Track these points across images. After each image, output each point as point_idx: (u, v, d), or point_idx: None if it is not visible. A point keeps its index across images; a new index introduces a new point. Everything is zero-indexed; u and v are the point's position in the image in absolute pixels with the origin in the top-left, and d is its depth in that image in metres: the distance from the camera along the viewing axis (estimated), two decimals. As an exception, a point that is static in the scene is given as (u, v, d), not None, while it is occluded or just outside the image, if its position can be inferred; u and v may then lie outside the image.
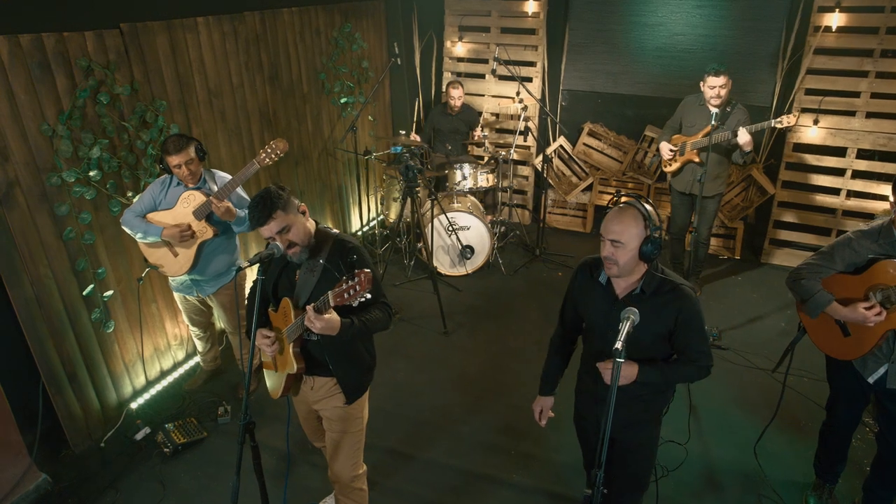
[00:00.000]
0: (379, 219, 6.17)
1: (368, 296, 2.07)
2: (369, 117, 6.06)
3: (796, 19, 5.11)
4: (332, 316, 2.19)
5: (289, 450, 2.78)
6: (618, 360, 1.71)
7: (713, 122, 4.08)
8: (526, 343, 4.48)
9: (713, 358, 2.23)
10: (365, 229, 5.99)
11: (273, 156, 3.28)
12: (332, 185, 5.67)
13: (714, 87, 4.27)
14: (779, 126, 4.21)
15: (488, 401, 3.89)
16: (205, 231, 3.32)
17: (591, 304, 2.28)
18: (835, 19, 4.87)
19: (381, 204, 5.86)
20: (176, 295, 3.67)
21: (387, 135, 6.41)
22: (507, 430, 3.65)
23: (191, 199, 3.28)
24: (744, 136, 4.13)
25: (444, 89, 5.84)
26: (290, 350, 2.39)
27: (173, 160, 3.19)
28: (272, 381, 2.66)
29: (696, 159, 4.58)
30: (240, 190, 3.43)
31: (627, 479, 2.42)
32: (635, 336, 2.02)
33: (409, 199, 4.91)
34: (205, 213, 3.28)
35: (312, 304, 2.17)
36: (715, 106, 4.34)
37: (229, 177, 3.46)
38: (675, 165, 4.72)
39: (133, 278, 3.70)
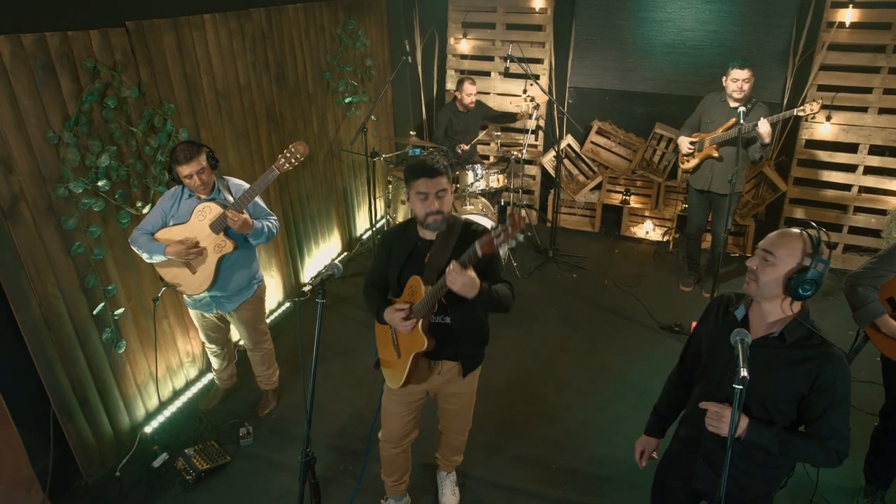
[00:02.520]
0: (384, 221, 5.97)
1: (521, 237, 1.98)
2: (372, 117, 5.86)
3: (808, 15, 5.07)
4: (474, 274, 2.13)
5: (368, 450, 2.56)
6: (738, 386, 1.56)
7: (741, 121, 3.99)
8: (551, 350, 4.36)
9: (849, 444, 1.83)
10: (376, 232, 5.79)
11: (293, 160, 3.09)
12: (338, 187, 5.46)
13: (737, 81, 4.22)
14: (801, 114, 4.17)
15: (520, 412, 3.76)
16: (224, 245, 3.11)
17: (716, 342, 1.98)
18: (848, 15, 4.84)
19: (388, 207, 5.67)
20: (192, 312, 3.45)
21: (389, 135, 6.22)
22: (545, 442, 3.52)
23: (206, 212, 3.06)
24: (764, 127, 4.08)
25: (455, 87, 5.65)
26: (419, 327, 2.37)
27: (184, 170, 2.95)
28: (393, 373, 2.64)
29: (715, 154, 4.51)
30: (258, 199, 3.23)
31: None
32: (757, 388, 1.79)
33: None
34: (223, 226, 3.06)
35: (455, 261, 2.10)
36: (737, 100, 4.28)
37: (245, 184, 3.26)
38: (692, 162, 4.66)
39: (144, 294, 3.47)
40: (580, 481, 3.25)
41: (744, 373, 1.56)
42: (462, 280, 2.09)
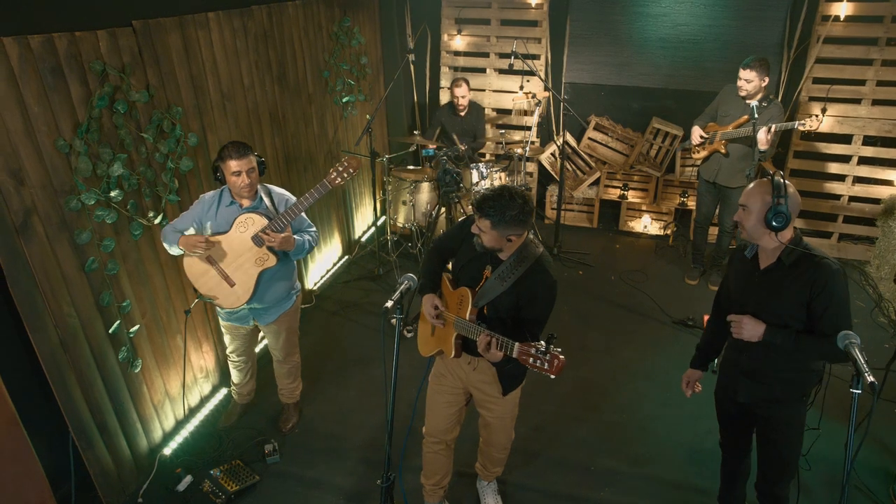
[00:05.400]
0: (383, 220, 5.84)
1: (552, 376, 2.04)
2: (367, 116, 5.71)
3: (802, 9, 5.15)
4: (500, 355, 2.24)
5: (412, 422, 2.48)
6: (855, 391, 1.54)
7: (755, 117, 4.02)
8: (570, 349, 4.32)
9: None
10: (379, 231, 5.65)
11: (345, 175, 2.96)
12: (337, 189, 5.31)
13: (740, 79, 4.25)
14: (801, 128, 4.18)
15: (550, 414, 3.71)
16: (266, 259, 2.95)
17: (738, 280, 2.41)
18: (842, 8, 4.94)
19: (389, 207, 5.54)
20: (224, 324, 3.29)
21: (382, 134, 6.09)
22: (579, 444, 3.48)
23: (248, 223, 2.91)
24: (761, 135, 4.09)
25: (449, 87, 5.55)
26: (453, 340, 2.44)
27: (233, 166, 2.82)
28: (422, 343, 2.74)
29: (722, 151, 4.56)
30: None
31: (775, 460, 2.47)
32: (771, 305, 2.23)
33: (445, 207, 4.50)
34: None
35: (496, 344, 2.18)
36: (741, 97, 4.31)
37: (288, 195, 3.11)
38: (702, 153, 4.71)
39: (158, 309, 3.29)
40: (621, 482, 3.22)
41: (870, 378, 1.54)
42: (492, 359, 2.27)
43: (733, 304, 2.41)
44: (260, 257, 2.92)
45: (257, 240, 2.89)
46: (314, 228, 3.16)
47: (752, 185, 2.24)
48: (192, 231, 2.99)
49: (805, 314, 2.18)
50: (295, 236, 2.98)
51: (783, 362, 2.28)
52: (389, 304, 1.96)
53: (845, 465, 1.62)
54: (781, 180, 2.14)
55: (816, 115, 4.13)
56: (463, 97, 5.41)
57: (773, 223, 2.13)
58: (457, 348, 2.45)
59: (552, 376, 2.03)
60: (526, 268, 2.29)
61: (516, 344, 2.10)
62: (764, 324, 2.21)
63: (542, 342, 2.03)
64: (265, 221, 2.88)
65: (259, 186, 2.98)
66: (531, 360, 2.04)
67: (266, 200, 2.97)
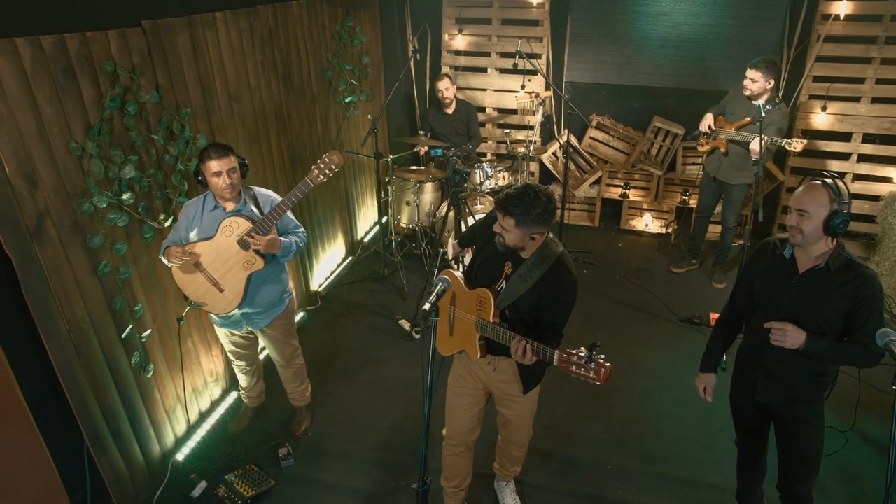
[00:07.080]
0: (386, 220, 5.81)
1: (598, 384, 2.02)
2: (368, 116, 5.69)
3: (802, 8, 5.19)
4: (533, 359, 2.22)
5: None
6: (896, 388, 1.55)
7: (761, 116, 4.04)
8: (577, 349, 4.31)
9: None
10: (383, 230, 5.63)
11: (327, 171, 2.90)
12: (340, 190, 5.28)
13: (746, 78, 4.29)
14: (787, 147, 4.22)
15: (563, 413, 3.71)
16: (254, 262, 2.91)
17: (769, 280, 2.33)
18: (842, 7, 4.98)
19: (392, 208, 5.51)
20: (219, 330, 3.25)
21: (384, 134, 6.06)
22: (594, 443, 3.49)
23: (233, 227, 2.87)
24: (754, 145, 4.12)
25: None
26: (477, 341, 2.42)
27: (214, 166, 2.77)
28: (444, 342, 2.68)
29: (723, 148, 4.60)
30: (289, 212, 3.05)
31: (798, 459, 2.45)
32: (810, 310, 2.19)
33: (453, 208, 4.44)
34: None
35: (531, 350, 2.16)
36: (746, 97, 4.35)
37: (274, 195, 3.07)
38: (706, 147, 4.77)
39: (169, 313, 3.25)
40: (636, 481, 3.23)
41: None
42: (528, 362, 2.22)
43: (762, 306, 2.35)
44: (247, 261, 2.88)
45: (243, 243, 2.85)
46: (301, 229, 3.12)
47: (805, 189, 2.17)
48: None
49: (842, 322, 2.17)
50: (282, 238, 2.94)
51: (806, 365, 2.27)
52: (427, 306, 1.94)
53: (888, 466, 1.63)
54: (839, 183, 2.11)
55: (801, 140, 4.21)
56: (447, 89, 5.36)
57: (839, 229, 2.09)
58: (482, 349, 2.43)
59: (598, 383, 2.01)
60: (547, 267, 2.29)
61: (556, 352, 2.08)
62: (805, 332, 2.16)
63: (584, 349, 2.01)
64: (250, 224, 2.83)
65: (242, 189, 2.94)
66: (573, 367, 2.03)
67: (250, 203, 2.93)
